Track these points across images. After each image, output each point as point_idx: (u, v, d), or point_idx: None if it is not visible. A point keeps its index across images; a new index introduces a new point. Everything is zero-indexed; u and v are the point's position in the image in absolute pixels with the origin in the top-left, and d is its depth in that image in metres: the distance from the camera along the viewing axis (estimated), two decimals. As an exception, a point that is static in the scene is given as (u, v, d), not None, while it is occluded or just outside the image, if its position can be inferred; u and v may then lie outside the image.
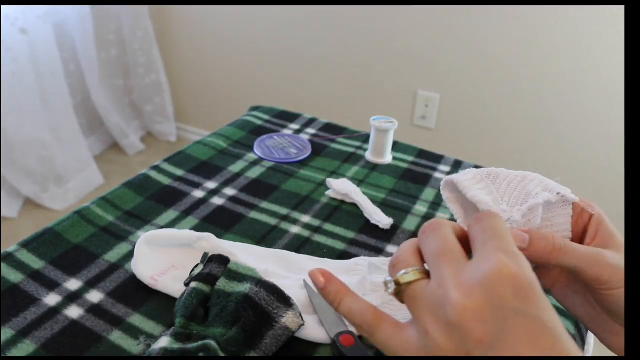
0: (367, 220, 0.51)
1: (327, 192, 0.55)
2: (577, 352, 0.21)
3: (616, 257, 0.28)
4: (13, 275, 0.41)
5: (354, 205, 0.54)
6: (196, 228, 0.49)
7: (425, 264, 0.25)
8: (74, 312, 0.38)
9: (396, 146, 0.66)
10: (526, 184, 0.30)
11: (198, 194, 0.54)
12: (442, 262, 0.23)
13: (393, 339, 0.24)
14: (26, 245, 0.44)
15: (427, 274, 0.24)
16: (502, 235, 0.24)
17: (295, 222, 0.51)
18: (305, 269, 0.44)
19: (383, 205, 0.54)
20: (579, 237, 0.31)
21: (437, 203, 0.55)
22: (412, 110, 1.41)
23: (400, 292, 0.24)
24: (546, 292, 0.26)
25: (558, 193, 0.29)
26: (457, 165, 0.63)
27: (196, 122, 1.85)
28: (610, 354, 0.30)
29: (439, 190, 0.57)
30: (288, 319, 0.35)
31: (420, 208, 0.54)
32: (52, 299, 0.39)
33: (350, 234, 0.49)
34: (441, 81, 1.34)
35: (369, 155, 0.63)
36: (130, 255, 0.44)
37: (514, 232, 0.28)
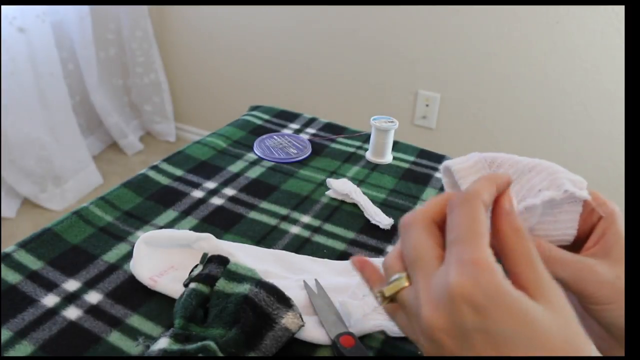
0: (368, 221, 0.51)
1: (327, 192, 0.55)
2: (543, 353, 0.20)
3: (607, 272, 0.26)
4: (11, 276, 0.41)
5: (354, 206, 0.53)
6: (195, 228, 0.48)
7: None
8: (72, 313, 0.38)
9: (396, 146, 0.66)
10: (532, 176, 0.28)
11: (197, 194, 0.54)
12: (416, 271, 0.24)
13: (405, 329, 0.26)
14: (24, 245, 0.44)
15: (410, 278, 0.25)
16: (467, 238, 0.22)
17: (295, 222, 0.50)
18: (305, 269, 0.44)
19: (383, 206, 0.53)
20: (586, 236, 0.29)
21: (437, 203, 0.55)
22: (413, 109, 1.41)
23: (391, 300, 0.25)
24: None
25: (565, 191, 0.27)
26: (457, 165, 0.63)
27: (195, 121, 1.85)
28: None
29: (440, 190, 0.57)
30: (288, 320, 0.35)
31: (421, 208, 0.54)
32: (50, 300, 0.39)
33: (351, 234, 0.49)
34: (442, 81, 1.34)
35: (369, 155, 0.63)
36: (129, 255, 0.44)
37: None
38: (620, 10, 1.08)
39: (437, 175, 0.60)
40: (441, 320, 0.21)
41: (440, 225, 0.25)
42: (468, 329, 0.21)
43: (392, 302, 0.25)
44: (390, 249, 0.48)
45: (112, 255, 0.44)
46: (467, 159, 0.29)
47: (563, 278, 0.26)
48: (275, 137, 0.66)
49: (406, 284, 0.24)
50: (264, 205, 0.53)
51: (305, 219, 0.51)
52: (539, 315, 0.21)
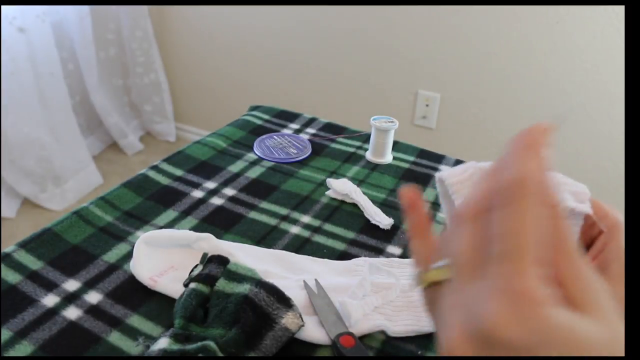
0: (368, 221, 0.51)
1: (327, 192, 0.55)
2: None
3: (590, 328, 0.22)
4: (11, 276, 0.41)
5: (354, 206, 0.53)
6: (195, 228, 0.48)
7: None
8: (72, 313, 0.38)
9: (396, 146, 0.66)
10: None
11: (197, 194, 0.54)
12: (454, 278, 0.20)
13: (429, 312, 0.24)
14: (24, 245, 0.44)
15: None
16: (516, 255, 0.18)
17: (295, 222, 0.50)
18: (305, 269, 0.44)
19: (383, 206, 0.53)
20: (586, 247, 0.28)
21: (437, 203, 0.55)
22: (413, 109, 1.41)
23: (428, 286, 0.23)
24: None
25: (566, 207, 0.26)
26: (457, 165, 0.63)
27: (195, 121, 1.85)
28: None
29: (440, 190, 0.57)
30: (288, 320, 0.35)
31: (421, 208, 0.54)
32: (50, 300, 0.39)
33: (351, 234, 0.49)
34: (442, 81, 1.34)
35: (369, 155, 0.63)
36: (129, 255, 0.44)
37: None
38: (620, 10, 1.08)
39: (437, 174, 0.60)
40: (464, 351, 0.18)
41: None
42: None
43: (434, 285, 0.22)
44: (390, 249, 0.48)
45: (112, 255, 0.44)
46: (463, 169, 0.28)
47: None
48: (275, 137, 0.66)
49: (448, 275, 0.21)
50: (264, 205, 0.53)
51: (305, 219, 0.51)
52: (593, 336, 0.18)
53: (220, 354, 0.33)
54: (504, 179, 0.20)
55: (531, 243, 0.19)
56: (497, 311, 0.18)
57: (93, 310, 0.38)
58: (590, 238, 0.28)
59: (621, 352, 0.18)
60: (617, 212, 0.28)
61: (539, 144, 0.20)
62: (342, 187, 0.54)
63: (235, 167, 0.59)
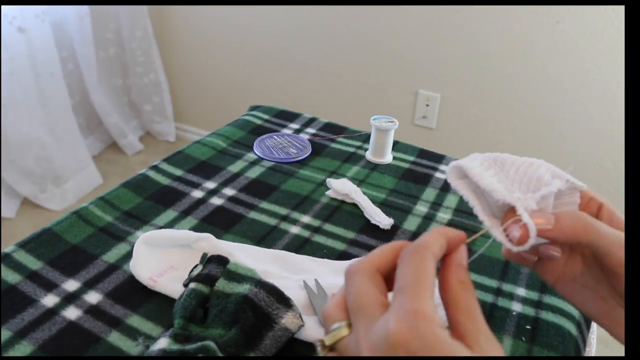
0: (368, 221, 0.51)
1: (327, 192, 0.55)
2: None
3: None
4: (11, 276, 0.41)
5: (354, 206, 0.53)
6: (195, 228, 0.48)
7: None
8: (72, 313, 0.38)
9: (397, 146, 0.66)
10: (535, 169, 0.28)
11: (197, 194, 0.54)
12: (357, 319, 0.25)
13: None
14: (24, 245, 0.44)
15: (351, 327, 0.25)
16: (410, 288, 0.24)
17: (295, 222, 0.50)
18: (305, 269, 0.44)
19: (383, 206, 0.53)
20: None
21: (437, 203, 0.55)
22: (413, 109, 1.41)
23: (332, 348, 0.26)
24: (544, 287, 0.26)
25: (567, 180, 0.28)
26: (457, 165, 0.63)
27: (195, 121, 1.85)
28: (613, 354, 0.30)
29: (440, 191, 0.57)
30: (288, 320, 0.35)
31: (421, 208, 0.54)
32: (50, 300, 0.39)
33: (351, 234, 0.49)
34: (442, 81, 1.34)
35: (369, 155, 0.63)
36: (128, 255, 0.44)
37: (539, 214, 0.27)
38: (620, 10, 1.08)
39: (437, 175, 0.60)
40: None
41: (386, 275, 0.26)
42: None
43: (331, 350, 0.26)
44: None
45: (111, 255, 0.44)
46: (472, 158, 0.30)
47: (606, 247, 0.27)
48: (275, 137, 0.66)
49: (346, 332, 0.25)
50: (264, 205, 0.53)
51: (305, 219, 0.51)
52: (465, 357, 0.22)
53: (220, 354, 0.33)
54: (408, 246, 0.26)
55: (428, 280, 0.24)
56: (397, 325, 0.22)
57: (93, 310, 0.38)
58: (590, 214, 0.29)
59: None
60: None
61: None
62: (342, 187, 0.54)
63: (235, 167, 0.59)
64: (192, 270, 0.40)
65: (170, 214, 0.50)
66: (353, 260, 0.27)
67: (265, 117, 0.72)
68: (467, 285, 0.25)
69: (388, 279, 0.26)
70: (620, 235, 0.27)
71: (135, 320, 0.38)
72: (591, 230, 0.27)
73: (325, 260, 0.45)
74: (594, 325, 0.44)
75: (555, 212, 0.27)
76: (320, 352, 0.26)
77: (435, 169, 0.61)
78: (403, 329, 0.22)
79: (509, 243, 0.27)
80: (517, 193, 0.28)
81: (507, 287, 0.43)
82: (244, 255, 0.43)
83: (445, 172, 0.61)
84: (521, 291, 0.43)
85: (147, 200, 0.52)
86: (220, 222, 0.49)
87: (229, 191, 0.54)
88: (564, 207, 0.29)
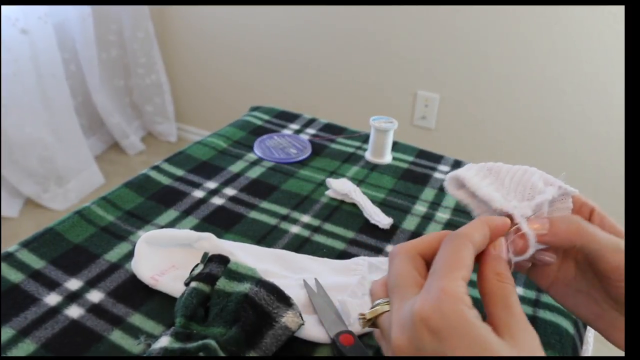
0: (367, 220, 0.51)
1: (326, 192, 0.55)
2: None
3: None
4: (14, 275, 0.41)
5: (354, 205, 0.54)
6: (196, 228, 0.49)
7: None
8: (74, 311, 0.38)
9: (396, 146, 0.66)
10: (529, 177, 0.29)
11: (198, 193, 0.54)
12: (393, 297, 0.26)
13: (387, 353, 0.27)
14: (27, 245, 0.44)
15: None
16: (443, 269, 0.24)
17: (295, 222, 0.51)
18: (305, 268, 0.44)
19: (383, 205, 0.54)
20: None
21: (436, 203, 0.55)
22: (412, 110, 1.41)
23: (372, 323, 0.27)
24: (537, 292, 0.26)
25: (560, 187, 0.28)
26: (456, 165, 0.63)
27: (196, 122, 1.86)
28: (610, 353, 0.30)
29: (439, 190, 0.57)
30: (288, 319, 0.35)
31: (420, 208, 0.54)
32: (52, 299, 0.39)
33: (350, 234, 0.49)
34: (441, 81, 1.34)
35: (368, 155, 0.63)
36: (130, 255, 0.44)
37: (534, 220, 0.28)
38: (617, 11, 1.08)
39: (436, 175, 0.61)
40: (404, 342, 0.23)
41: (428, 260, 0.27)
42: (426, 350, 0.22)
43: (373, 325, 0.27)
44: (389, 248, 0.48)
45: (113, 255, 0.44)
46: (468, 168, 0.31)
47: (600, 250, 0.27)
48: (275, 137, 0.67)
49: (386, 308, 0.26)
50: (264, 205, 0.53)
51: (305, 218, 0.51)
52: (498, 348, 0.22)
53: (220, 353, 0.33)
54: (451, 233, 0.27)
55: (461, 264, 0.24)
56: (421, 303, 0.23)
57: (95, 309, 0.39)
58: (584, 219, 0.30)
59: None
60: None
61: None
62: (341, 187, 0.54)
63: (235, 167, 0.59)
64: (193, 270, 0.40)
65: (171, 214, 0.51)
66: (399, 244, 0.28)
67: (266, 117, 0.72)
68: (503, 277, 0.25)
69: (430, 264, 0.27)
70: (613, 239, 0.27)
71: (136, 319, 0.38)
72: (584, 234, 0.27)
73: (325, 259, 0.46)
74: (591, 324, 0.44)
75: (549, 217, 0.28)
76: (361, 325, 0.27)
77: (434, 169, 0.62)
78: (426, 306, 0.22)
79: (510, 254, 0.28)
80: (513, 202, 0.29)
81: (505, 286, 0.43)
82: (245, 254, 0.44)
83: (444, 173, 0.61)
84: (519, 290, 0.43)
85: (148, 200, 0.52)
86: (221, 222, 0.50)
87: (229, 191, 0.55)
88: (557, 213, 0.29)
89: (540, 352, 0.23)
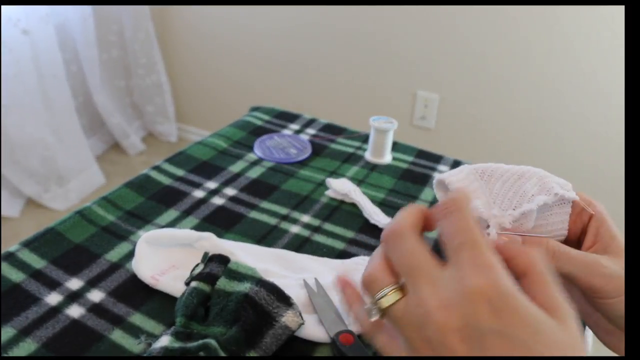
0: (367, 220, 0.51)
1: (326, 192, 0.55)
2: None
3: (612, 266, 0.27)
4: (14, 275, 0.41)
5: (354, 205, 0.54)
6: (197, 228, 0.49)
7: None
8: (75, 311, 0.39)
9: (396, 146, 0.66)
10: (522, 183, 0.29)
11: (198, 193, 0.54)
12: (418, 278, 0.23)
13: (387, 347, 0.25)
14: (28, 244, 0.45)
15: (403, 290, 0.24)
16: (474, 241, 0.22)
17: (295, 221, 0.51)
18: (305, 268, 0.44)
19: (382, 205, 0.54)
20: (577, 237, 0.30)
21: (436, 203, 0.55)
22: (412, 110, 1.41)
23: (383, 315, 0.25)
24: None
25: (556, 194, 0.28)
26: (456, 166, 0.63)
27: (197, 122, 1.86)
28: (610, 353, 0.30)
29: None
30: (288, 318, 0.35)
31: (420, 208, 0.54)
32: (53, 298, 0.39)
33: (350, 234, 0.49)
34: (440, 81, 1.34)
35: (368, 155, 0.63)
36: (131, 254, 0.44)
37: (506, 236, 0.27)
38: (617, 11, 1.08)
39: (436, 175, 0.61)
40: (455, 322, 0.21)
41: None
42: (484, 329, 0.20)
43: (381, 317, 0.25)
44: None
45: (114, 255, 0.45)
46: (459, 170, 0.30)
47: (572, 273, 0.27)
48: (275, 137, 0.67)
49: (399, 296, 0.24)
50: (264, 205, 0.53)
51: (305, 218, 0.51)
52: (553, 328, 0.21)
53: (221, 352, 0.33)
54: (442, 201, 0.25)
55: (477, 239, 0.23)
56: (476, 279, 0.21)
57: (95, 309, 0.39)
58: (581, 225, 0.30)
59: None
60: (598, 202, 0.30)
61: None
62: (341, 187, 0.54)
63: (235, 167, 0.59)
64: (193, 269, 0.40)
65: (171, 214, 0.51)
66: (389, 223, 0.25)
67: (266, 118, 0.72)
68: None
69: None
70: (586, 259, 0.27)
71: (137, 319, 0.38)
72: (550, 261, 0.27)
73: (325, 259, 0.46)
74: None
75: (524, 237, 0.27)
76: (374, 317, 0.24)
77: (434, 169, 0.62)
78: (483, 282, 0.21)
79: None
80: (495, 210, 0.28)
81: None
82: (245, 254, 0.44)
83: (443, 172, 0.61)
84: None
85: (149, 200, 0.52)
86: (221, 222, 0.50)
87: (229, 191, 0.55)
88: (553, 218, 0.29)
89: (581, 330, 0.22)
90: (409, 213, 0.26)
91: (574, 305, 0.30)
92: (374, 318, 0.24)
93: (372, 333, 0.26)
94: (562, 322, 0.21)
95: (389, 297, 0.24)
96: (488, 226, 0.28)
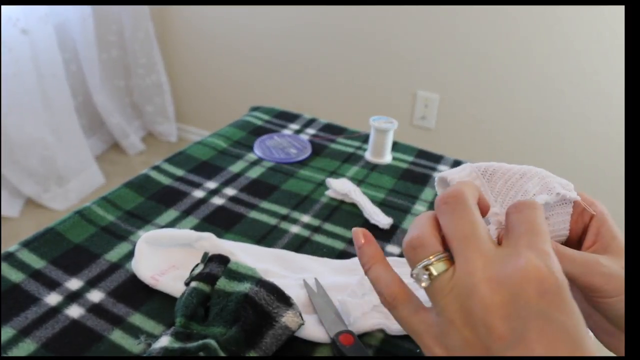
0: (367, 220, 0.51)
1: (326, 192, 0.55)
2: None
3: (611, 265, 0.27)
4: (14, 275, 0.41)
5: (354, 205, 0.54)
6: (196, 228, 0.49)
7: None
8: (74, 311, 0.38)
9: (396, 146, 0.66)
10: (524, 182, 0.29)
11: (198, 193, 0.54)
12: (472, 249, 0.22)
13: (413, 317, 0.24)
14: (27, 244, 0.44)
15: (451, 260, 0.23)
16: (538, 231, 0.22)
17: (295, 221, 0.51)
18: (305, 268, 0.44)
19: (382, 205, 0.54)
20: (579, 237, 0.30)
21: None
22: (412, 110, 1.41)
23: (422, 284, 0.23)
24: None
25: (558, 193, 0.28)
26: (456, 166, 0.63)
27: (197, 122, 1.86)
28: (610, 353, 0.30)
29: (439, 190, 0.57)
30: (288, 319, 0.35)
31: (420, 208, 0.54)
32: (53, 299, 0.39)
33: (350, 234, 0.49)
34: (441, 81, 1.34)
35: (368, 155, 0.63)
36: (130, 254, 0.44)
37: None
38: (617, 11, 1.08)
39: (436, 175, 0.61)
40: (502, 299, 0.20)
41: None
42: (531, 311, 0.20)
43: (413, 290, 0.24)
44: (389, 248, 0.48)
45: (114, 255, 0.44)
46: (461, 169, 0.30)
47: (572, 273, 0.27)
48: (275, 137, 0.67)
49: (447, 266, 0.22)
50: (264, 205, 0.53)
51: (305, 218, 0.51)
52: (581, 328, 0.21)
53: (221, 353, 0.33)
54: (443, 194, 0.25)
55: (543, 230, 0.23)
56: (535, 261, 0.21)
57: (95, 309, 0.39)
58: (582, 225, 0.30)
59: None
60: (599, 202, 0.30)
61: None
62: (341, 187, 0.54)
63: (235, 167, 0.59)
64: (193, 269, 0.40)
65: (171, 214, 0.51)
66: (450, 188, 0.24)
67: (266, 117, 0.72)
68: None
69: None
70: (585, 259, 0.27)
71: (137, 319, 0.38)
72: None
73: (325, 259, 0.46)
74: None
75: None
76: (424, 283, 0.23)
77: (434, 169, 0.62)
78: (541, 265, 0.21)
79: None
80: (496, 208, 0.28)
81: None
82: (245, 254, 0.44)
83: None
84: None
85: (148, 200, 0.52)
86: (221, 222, 0.50)
87: (229, 191, 0.55)
88: (555, 218, 0.29)
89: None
90: (469, 185, 0.25)
91: (579, 304, 0.30)
92: (424, 284, 0.23)
93: (397, 302, 0.24)
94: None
95: (439, 265, 0.23)
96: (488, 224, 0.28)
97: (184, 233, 0.43)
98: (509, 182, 0.29)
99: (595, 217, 0.29)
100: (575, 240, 0.30)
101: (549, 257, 0.21)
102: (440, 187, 0.32)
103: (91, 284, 0.41)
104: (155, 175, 0.56)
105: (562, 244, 0.30)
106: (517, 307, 0.20)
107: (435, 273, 0.23)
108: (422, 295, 0.25)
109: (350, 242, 0.48)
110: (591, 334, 0.30)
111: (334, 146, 0.66)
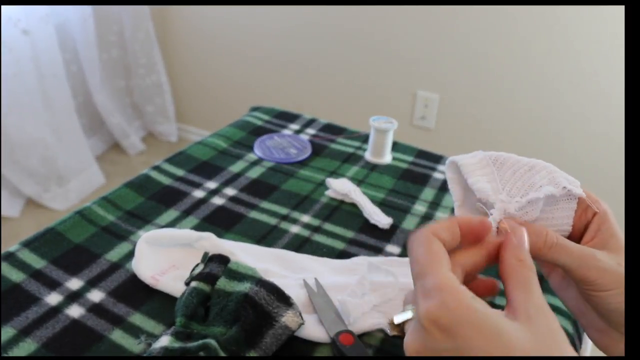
0: (367, 220, 0.51)
1: (326, 192, 0.55)
2: None
3: (607, 260, 0.27)
4: (15, 275, 0.41)
5: (354, 205, 0.54)
6: (197, 228, 0.49)
7: None
8: (75, 311, 0.39)
9: (395, 146, 0.66)
10: (532, 174, 0.29)
11: (198, 193, 0.54)
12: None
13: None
14: (28, 244, 0.45)
15: None
16: (425, 269, 0.24)
17: (295, 221, 0.51)
18: (305, 268, 0.44)
19: (382, 205, 0.54)
20: (580, 233, 0.30)
21: (436, 203, 0.55)
22: (412, 110, 1.41)
23: (401, 330, 0.27)
24: (542, 280, 0.26)
25: (564, 187, 0.28)
26: (456, 166, 0.63)
27: (197, 122, 1.86)
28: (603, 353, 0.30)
29: (439, 190, 0.57)
30: (288, 318, 0.35)
31: (420, 208, 0.54)
32: (53, 298, 0.39)
33: (350, 234, 0.50)
34: (440, 81, 1.34)
35: (368, 156, 0.63)
36: (131, 254, 0.44)
37: (509, 221, 0.28)
38: (617, 11, 1.08)
39: (436, 175, 0.61)
40: (417, 346, 0.23)
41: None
42: (440, 350, 0.22)
43: (402, 333, 0.26)
44: (389, 248, 0.48)
45: (114, 254, 0.45)
46: (473, 155, 0.31)
47: (568, 265, 0.27)
48: (275, 137, 0.67)
49: (411, 315, 0.26)
50: (264, 205, 0.53)
51: (305, 218, 0.51)
52: (511, 330, 0.21)
53: (221, 352, 0.33)
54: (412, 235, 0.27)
55: (439, 258, 0.24)
56: (425, 304, 0.23)
57: (95, 309, 0.39)
58: (584, 221, 0.30)
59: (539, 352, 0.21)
60: (604, 201, 0.30)
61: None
62: (341, 187, 0.54)
63: (235, 167, 0.59)
64: (193, 269, 0.40)
65: (171, 214, 0.51)
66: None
67: (266, 117, 0.73)
68: (525, 262, 0.25)
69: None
70: (582, 252, 0.27)
71: (137, 319, 0.38)
72: (547, 251, 0.27)
73: (325, 259, 0.46)
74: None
75: (525, 225, 0.28)
76: (390, 332, 0.27)
77: (434, 169, 0.62)
78: (431, 306, 0.22)
79: None
80: (503, 195, 0.28)
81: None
82: (245, 254, 0.44)
83: (444, 173, 0.61)
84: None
85: (149, 200, 0.52)
86: (221, 222, 0.50)
87: (229, 191, 0.55)
88: (559, 213, 0.29)
89: (559, 334, 0.22)
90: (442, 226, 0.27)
91: (574, 303, 0.31)
92: (390, 332, 0.28)
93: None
94: (527, 323, 0.22)
95: (403, 315, 0.26)
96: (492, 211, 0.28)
97: (184, 233, 0.43)
98: (518, 172, 0.29)
99: (597, 214, 0.30)
100: (577, 237, 0.30)
101: (440, 291, 0.22)
102: (450, 172, 0.32)
103: (91, 283, 0.41)
104: (155, 175, 0.56)
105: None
106: (430, 350, 0.23)
107: (395, 322, 0.27)
108: None
109: (350, 242, 0.49)
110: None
111: (334, 146, 0.66)
